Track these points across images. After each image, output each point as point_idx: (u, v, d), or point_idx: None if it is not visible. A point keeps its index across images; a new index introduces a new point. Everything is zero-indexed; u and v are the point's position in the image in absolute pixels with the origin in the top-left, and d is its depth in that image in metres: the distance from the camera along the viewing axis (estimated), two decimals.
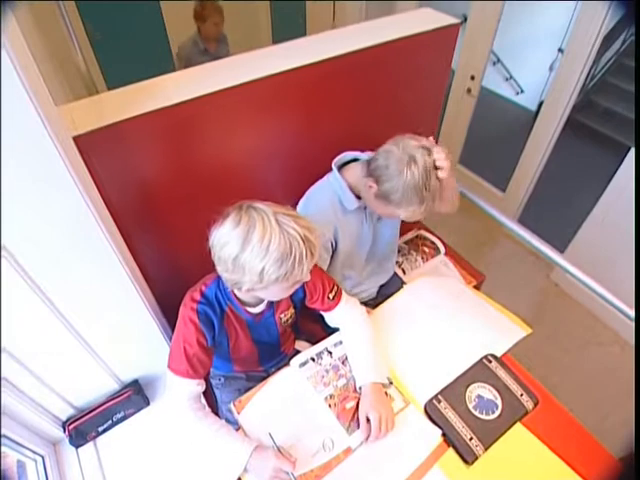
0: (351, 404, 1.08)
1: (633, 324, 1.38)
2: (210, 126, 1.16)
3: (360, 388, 1.09)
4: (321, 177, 1.30)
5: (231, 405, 1.11)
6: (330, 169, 1.27)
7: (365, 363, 1.11)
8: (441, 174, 1.05)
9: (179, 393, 1.02)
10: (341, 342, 1.20)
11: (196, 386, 1.02)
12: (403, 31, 1.33)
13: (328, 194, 1.26)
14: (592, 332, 2.36)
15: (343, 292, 1.19)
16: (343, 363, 1.16)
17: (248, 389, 1.13)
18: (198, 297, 1.01)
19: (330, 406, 1.08)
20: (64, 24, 2.36)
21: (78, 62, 2.57)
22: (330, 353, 1.18)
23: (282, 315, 1.15)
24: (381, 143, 1.57)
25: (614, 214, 2.17)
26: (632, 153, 2.02)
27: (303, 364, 1.16)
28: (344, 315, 1.19)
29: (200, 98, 1.07)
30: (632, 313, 1.35)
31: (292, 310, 1.17)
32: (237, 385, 1.32)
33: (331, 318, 1.21)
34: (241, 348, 1.15)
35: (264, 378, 1.15)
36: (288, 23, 3.89)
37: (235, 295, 1.03)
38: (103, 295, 1.07)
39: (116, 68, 3.16)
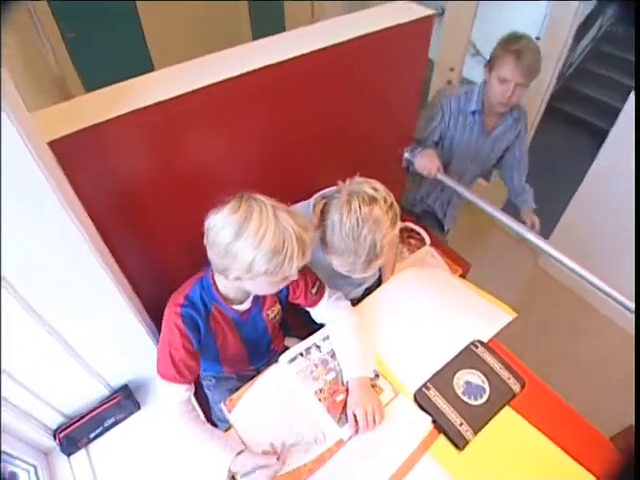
0: (341, 397, 1.09)
1: (621, 307, 1.39)
2: (190, 125, 1.14)
3: (347, 383, 1.09)
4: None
5: (222, 404, 1.11)
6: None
7: (350, 357, 1.12)
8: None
9: (168, 398, 1.02)
10: (327, 336, 1.20)
11: (185, 392, 1.02)
12: (379, 24, 1.33)
13: None
14: (581, 317, 2.40)
15: (326, 287, 1.19)
16: (332, 357, 1.17)
17: (239, 388, 1.13)
18: (182, 300, 1.01)
19: (320, 400, 1.08)
20: (34, 22, 2.26)
21: (50, 63, 2.49)
22: (319, 347, 1.19)
23: (269, 312, 1.15)
24: (365, 138, 1.59)
25: (596, 197, 2.20)
26: (611, 137, 2.06)
27: (292, 360, 1.17)
28: (328, 310, 1.19)
29: (179, 97, 1.06)
30: (616, 294, 1.36)
31: (278, 306, 1.17)
32: (228, 385, 1.31)
33: (316, 314, 1.21)
34: (229, 347, 1.15)
35: (255, 377, 1.15)
36: (268, 24, 3.88)
37: (220, 293, 1.03)
38: (88, 301, 1.06)
39: (93, 70, 3.11)
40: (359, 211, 0.97)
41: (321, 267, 1.29)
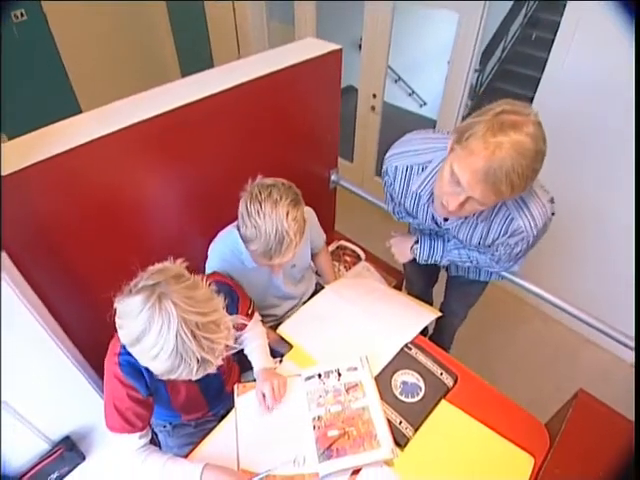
0: (333, 432, 1.08)
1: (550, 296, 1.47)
2: (115, 167, 1.17)
3: (256, 373, 1.19)
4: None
5: (235, 386, 1.20)
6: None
7: (257, 354, 1.22)
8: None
9: (121, 448, 1.01)
10: (355, 368, 1.20)
11: (138, 439, 1.00)
12: (293, 59, 1.45)
13: (229, 247, 1.27)
14: (517, 310, 2.56)
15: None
16: (347, 391, 1.16)
17: (202, 436, 1.13)
18: (118, 348, 0.97)
19: (314, 427, 1.09)
20: None
21: None
22: (339, 375, 1.19)
23: None
24: (288, 164, 1.66)
25: None
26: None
27: (309, 378, 1.19)
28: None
29: (103, 138, 1.08)
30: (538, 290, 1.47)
31: None
32: (185, 431, 1.28)
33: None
34: (180, 387, 1.10)
35: (214, 426, 1.15)
36: (195, 59, 3.97)
37: None
38: (20, 353, 1.03)
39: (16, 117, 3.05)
40: (259, 196, 1.09)
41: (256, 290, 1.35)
